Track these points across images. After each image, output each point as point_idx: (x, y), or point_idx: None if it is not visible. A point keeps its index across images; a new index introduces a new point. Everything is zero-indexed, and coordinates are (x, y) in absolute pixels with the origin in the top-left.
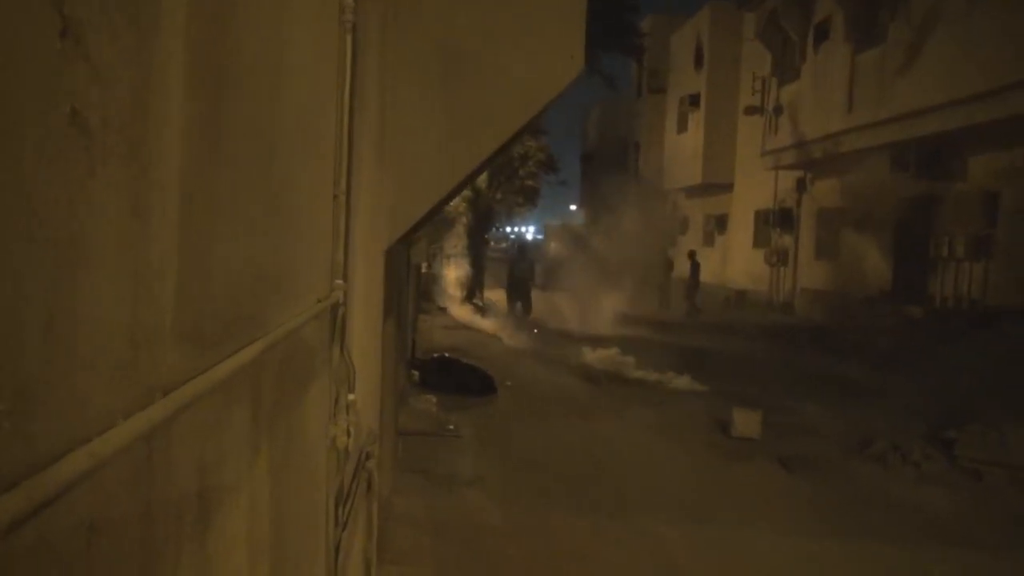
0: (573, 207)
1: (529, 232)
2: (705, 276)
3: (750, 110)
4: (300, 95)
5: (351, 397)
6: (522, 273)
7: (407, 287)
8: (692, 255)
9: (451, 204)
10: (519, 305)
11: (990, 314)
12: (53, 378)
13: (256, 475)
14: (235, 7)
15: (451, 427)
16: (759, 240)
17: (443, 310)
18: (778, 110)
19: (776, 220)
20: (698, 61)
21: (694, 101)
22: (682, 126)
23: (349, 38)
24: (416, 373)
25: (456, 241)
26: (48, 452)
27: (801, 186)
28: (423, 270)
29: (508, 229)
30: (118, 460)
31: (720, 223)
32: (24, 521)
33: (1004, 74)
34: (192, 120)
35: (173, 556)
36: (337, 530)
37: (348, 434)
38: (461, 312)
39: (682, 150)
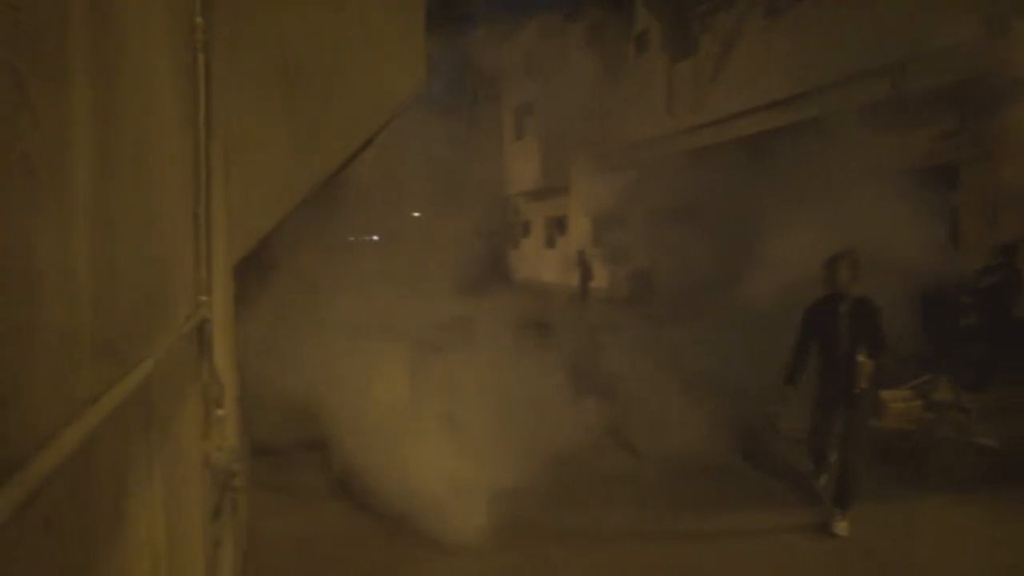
0: (416, 214)
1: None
2: (551, 277)
3: (582, 115)
4: (165, 119)
5: (220, 413)
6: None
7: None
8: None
9: None
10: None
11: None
12: (19, 384)
13: (153, 487)
14: (121, 45)
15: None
16: (597, 240)
17: None
18: (606, 115)
19: (612, 220)
20: (530, 69)
21: (528, 108)
22: (519, 132)
23: (202, 57)
24: None
25: None
26: (15, 455)
27: (632, 187)
28: None
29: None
30: (66, 462)
31: (560, 225)
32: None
33: (794, 85)
34: (95, 154)
35: (105, 554)
36: (212, 548)
37: (220, 450)
38: None
39: (520, 155)
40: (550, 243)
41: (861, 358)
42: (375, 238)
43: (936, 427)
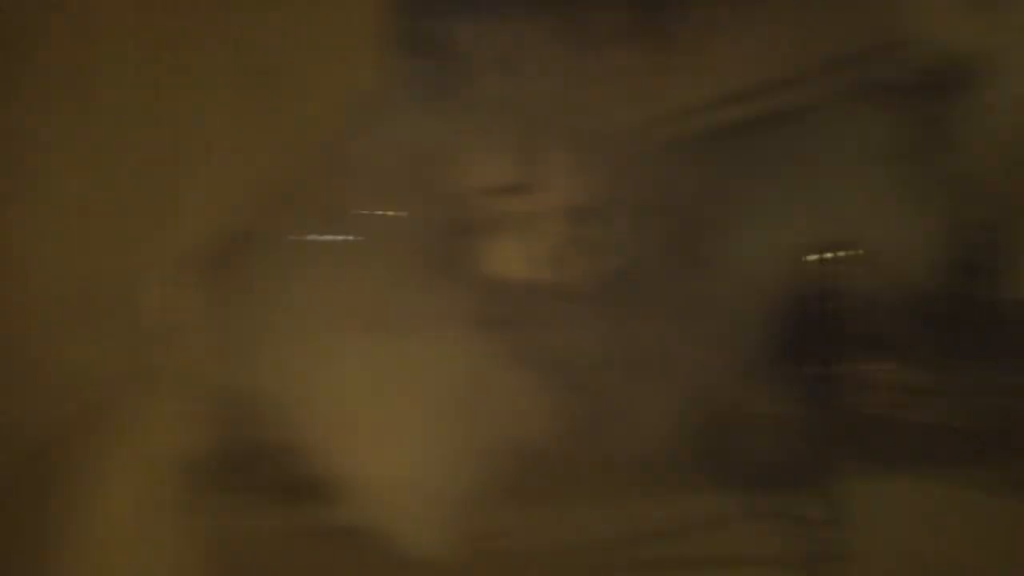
0: (390, 212)
1: None
2: (521, 272)
3: (554, 109)
4: (131, 118)
5: (191, 410)
6: None
7: None
8: (552, 250)
9: None
10: None
11: None
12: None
13: (121, 482)
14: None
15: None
16: (568, 234)
17: None
18: (578, 108)
19: (583, 215)
20: (501, 63)
21: (500, 102)
22: (490, 126)
23: (166, 56)
24: None
25: None
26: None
27: (604, 181)
28: None
29: None
30: (34, 455)
31: (531, 220)
32: None
33: (769, 74)
34: (67, 156)
35: (71, 543)
36: (181, 545)
37: (190, 448)
38: None
39: (491, 149)
40: (520, 238)
41: (867, 358)
42: (349, 238)
43: (890, 409)
